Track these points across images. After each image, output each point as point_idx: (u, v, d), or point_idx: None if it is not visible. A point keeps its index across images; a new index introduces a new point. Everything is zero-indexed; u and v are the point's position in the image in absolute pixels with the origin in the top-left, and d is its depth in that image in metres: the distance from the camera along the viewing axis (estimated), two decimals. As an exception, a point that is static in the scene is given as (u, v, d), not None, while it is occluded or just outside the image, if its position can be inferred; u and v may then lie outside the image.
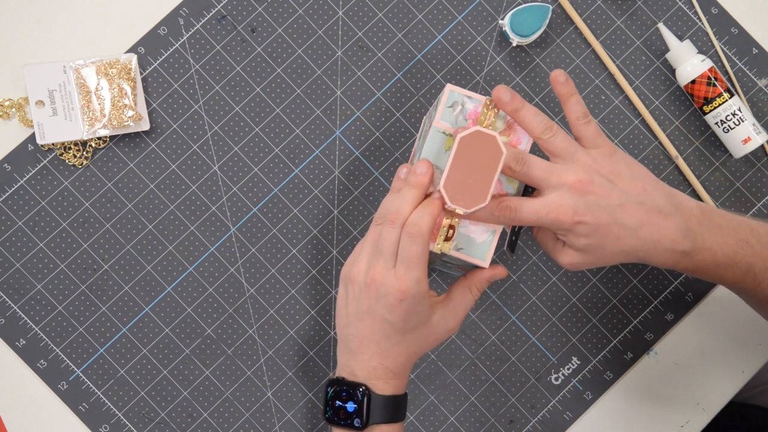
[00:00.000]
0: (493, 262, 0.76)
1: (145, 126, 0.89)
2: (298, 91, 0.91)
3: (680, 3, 0.93)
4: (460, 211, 0.71)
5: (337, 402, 0.75)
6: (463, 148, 0.72)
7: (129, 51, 0.90)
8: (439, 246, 0.73)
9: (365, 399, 0.74)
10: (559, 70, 0.74)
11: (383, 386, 0.74)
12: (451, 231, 0.73)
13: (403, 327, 0.73)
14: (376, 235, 0.73)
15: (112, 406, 0.88)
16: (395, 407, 0.75)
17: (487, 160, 0.71)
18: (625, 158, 0.74)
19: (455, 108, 0.75)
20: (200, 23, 0.91)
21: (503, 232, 0.75)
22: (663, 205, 0.72)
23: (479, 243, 0.73)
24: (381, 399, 0.74)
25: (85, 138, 0.88)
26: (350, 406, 0.74)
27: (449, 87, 0.75)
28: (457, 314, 0.76)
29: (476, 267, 0.76)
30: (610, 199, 0.71)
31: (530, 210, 0.72)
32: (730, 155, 0.92)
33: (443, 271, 0.90)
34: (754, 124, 0.89)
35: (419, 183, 0.73)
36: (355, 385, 0.74)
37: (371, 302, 0.73)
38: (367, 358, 0.75)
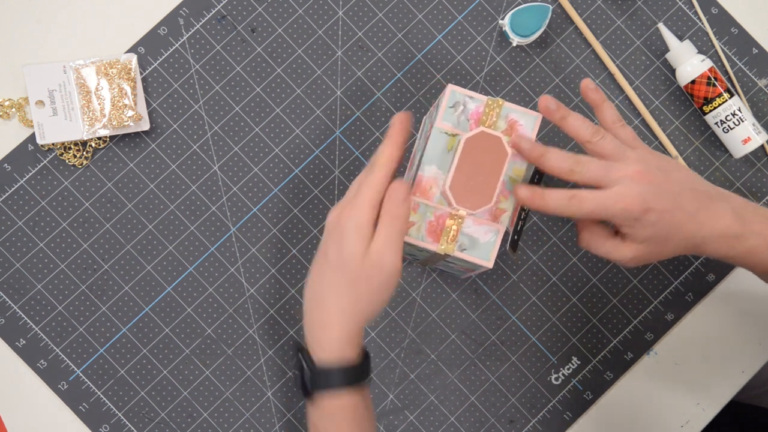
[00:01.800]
0: (495, 263, 0.76)
1: (145, 126, 0.89)
2: (298, 91, 0.91)
3: (680, 3, 0.93)
4: (464, 212, 0.72)
5: (295, 372, 0.72)
6: (468, 149, 0.72)
7: (129, 51, 0.90)
8: (443, 247, 0.73)
9: (304, 365, 0.71)
10: (589, 80, 0.75)
11: (319, 351, 0.70)
12: (454, 232, 0.73)
13: (336, 262, 0.69)
14: (361, 175, 0.73)
15: (112, 406, 0.88)
16: (331, 374, 0.69)
17: (491, 160, 0.72)
18: (665, 156, 0.75)
19: (457, 108, 0.75)
20: (200, 23, 0.91)
21: (506, 232, 0.75)
22: (710, 190, 0.74)
23: (483, 243, 0.73)
24: (315, 367, 0.70)
25: (85, 138, 0.88)
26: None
27: (451, 87, 0.74)
28: (385, 245, 0.68)
29: (479, 268, 0.75)
30: (669, 186, 0.72)
31: (597, 200, 0.71)
32: (730, 155, 0.92)
33: (446, 272, 0.90)
34: (754, 124, 0.89)
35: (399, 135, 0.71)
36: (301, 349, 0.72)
37: (342, 243, 0.70)
38: (315, 313, 0.71)
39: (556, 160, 0.72)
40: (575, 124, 0.74)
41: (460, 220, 0.73)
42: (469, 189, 0.72)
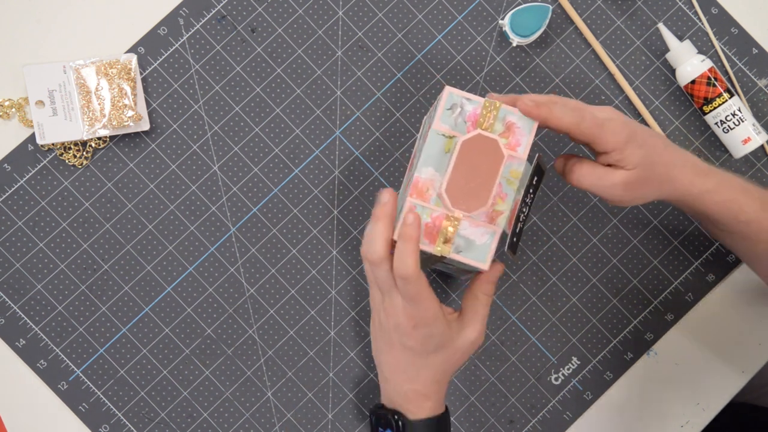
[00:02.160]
0: (493, 263, 0.76)
1: (145, 126, 0.89)
2: (298, 91, 0.91)
3: (680, 3, 0.93)
4: (460, 214, 0.71)
5: (379, 429, 0.80)
6: (464, 151, 0.72)
7: (129, 51, 0.90)
8: (438, 249, 0.72)
9: (400, 425, 0.78)
10: (523, 100, 0.75)
11: (416, 410, 0.77)
12: (450, 234, 0.73)
13: (424, 350, 0.76)
14: (369, 274, 0.76)
15: (112, 406, 0.88)
16: (433, 429, 0.78)
17: (488, 163, 0.71)
18: None
19: (454, 110, 0.74)
20: (200, 23, 0.91)
21: (503, 234, 0.74)
22: (683, 150, 0.80)
23: (479, 245, 0.73)
24: (416, 423, 0.77)
25: (85, 138, 0.88)
26: None
27: (448, 89, 0.74)
28: (474, 325, 0.77)
29: (476, 269, 0.75)
30: (647, 130, 0.77)
31: (594, 117, 0.75)
32: (730, 155, 0.92)
33: (444, 272, 0.90)
34: (754, 124, 0.89)
35: (384, 214, 0.72)
36: (391, 412, 0.78)
37: (391, 333, 0.76)
38: (399, 383, 0.78)
39: (561, 109, 0.75)
40: (557, 114, 0.75)
41: (456, 222, 0.72)
42: (465, 191, 0.72)
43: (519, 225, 0.74)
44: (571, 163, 0.78)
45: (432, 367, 0.77)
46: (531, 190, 0.75)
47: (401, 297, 0.73)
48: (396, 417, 0.78)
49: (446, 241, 0.73)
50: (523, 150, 0.73)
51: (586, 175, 0.77)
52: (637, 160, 0.76)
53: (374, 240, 0.73)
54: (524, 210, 0.74)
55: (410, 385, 0.78)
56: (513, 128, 0.74)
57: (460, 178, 0.72)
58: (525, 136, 0.74)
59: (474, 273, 0.79)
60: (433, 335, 0.75)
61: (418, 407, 0.78)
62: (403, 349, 0.76)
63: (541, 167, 0.76)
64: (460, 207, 0.72)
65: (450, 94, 0.74)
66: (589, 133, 0.75)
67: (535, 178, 0.75)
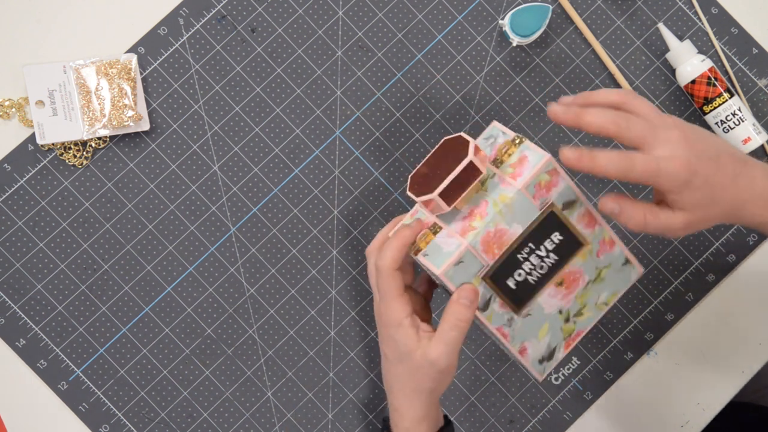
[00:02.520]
0: (465, 285, 0.75)
1: (145, 126, 0.89)
2: (298, 91, 0.91)
3: (680, 3, 0.93)
4: (411, 195, 0.73)
5: None
6: (442, 148, 0.74)
7: (129, 51, 0.90)
8: (412, 251, 0.75)
9: None
10: (566, 150, 0.72)
11: (395, 428, 0.77)
12: (425, 239, 0.74)
13: (392, 358, 0.75)
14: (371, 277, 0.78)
15: (112, 406, 0.88)
16: None
17: (456, 160, 0.72)
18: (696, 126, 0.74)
19: (489, 140, 0.77)
20: (200, 23, 0.91)
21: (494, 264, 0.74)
22: (743, 155, 0.73)
23: (444, 252, 0.73)
24: None
25: (85, 138, 0.88)
26: None
27: (494, 123, 0.77)
28: (437, 345, 0.72)
29: (437, 277, 0.75)
30: (708, 151, 0.71)
31: (649, 161, 0.69)
32: (730, 155, 0.92)
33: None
34: (754, 124, 0.89)
35: (410, 233, 0.75)
36: (383, 423, 0.80)
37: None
38: (387, 393, 0.78)
39: (598, 116, 0.70)
40: (595, 121, 0.71)
41: (437, 229, 0.74)
42: (424, 179, 0.73)
43: (518, 269, 0.74)
44: (623, 206, 0.73)
45: (400, 380, 0.75)
46: (543, 245, 0.74)
47: (379, 296, 0.74)
48: (381, 427, 0.79)
49: (419, 247, 0.74)
50: (522, 181, 0.73)
51: (654, 220, 0.73)
52: (696, 202, 0.71)
53: (379, 234, 0.76)
54: (526, 256, 0.74)
55: (390, 397, 0.77)
56: (524, 161, 0.74)
57: (428, 169, 0.74)
58: (529, 169, 0.73)
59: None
60: (396, 341, 0.73)
61: (395, 425, 0.77)
62: (383, 354, 0.76)
63: (561, 222, 0.75)
64: (413, 191, 0.74)
65: (493, 127, 0.77)
66: (642, 180, 0.70)
67: (556, 235, 0.75)
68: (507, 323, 0.76)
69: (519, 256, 0.74)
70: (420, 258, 0.74)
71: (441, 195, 0.72)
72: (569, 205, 0.76)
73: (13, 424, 0.88)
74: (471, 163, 0.72)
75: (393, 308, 0.73)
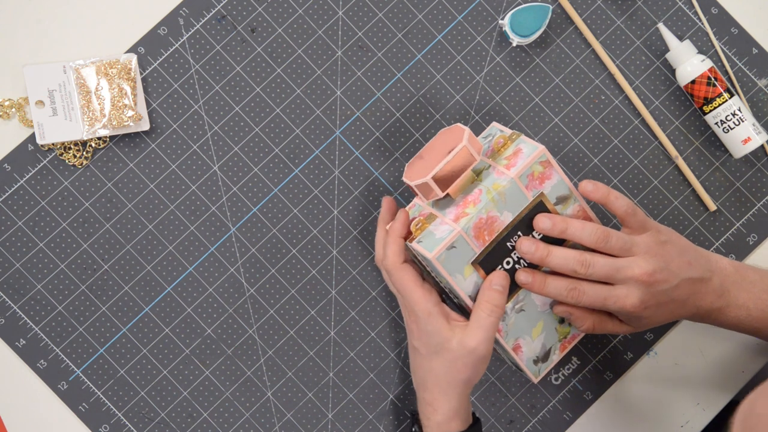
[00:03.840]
0: (497, 271, 0.76)
1: (145, 126, 0.89)
2: (298, 91, 0.91)
3: (680, 3, 0.93)
4: (406, 181, 0.76)
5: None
6: (439, 138, 0.76)
7: (129, 51, 0.90)
8: (408, 240, 0.77)
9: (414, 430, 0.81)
10: (585, 181, 0.77)
11: (426, 422, 0.77)
12: (419, 226, 0.76)
13: (427, 352, 0.76)
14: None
15: (112, 406, 0.88)
16: None
17: (450, 146, 0.75)
18: (669, 235, 0.78)
19: (487, 138, 0.79)
20: (200, 23, 0.91)
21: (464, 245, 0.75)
22: (703, 273, 0.78)
23: (436, 238, 0.74)
24: None
25: (85, 138, 0.88)
26: None
27: (494, 123, 0.80)
28: (474, 332, 0.74)
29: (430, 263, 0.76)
30: (668, 283, 0.76)
31: (598, 296, 0.76)
32: (730, 155, 0.92)
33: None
34: (754, 124, 0.89)
35: (380, 219, 0.81)
36: (412, 419, 0.82)
37: (408, 335, 0.79)
38: (417, 388, 0.79)
39: (560, 260, 0.75)
40: (576, 234, 0.76)
41: (431, 219, 0.76)
42: (420, 167, 0.76)
43: (507, 257, 0.76)
44: (573, 313, 0.79)
45: (435, 373, 0.76)
46: (532, 233, 0.76)
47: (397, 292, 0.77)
48: (414, 427, 0.81)
49: (414, 236, 0.76)
50: (515, 170, 0.74)
51: (601, 330, 0.80)
52: (641, 324, 0.79)
53: (376, 244, 0.80)
54: (514, 243, 0.76)
55: (421, 392, 0.78)
56: (519, 153, 0.76)
57: (424, 159, 0.76)
58: (523, 159, 0.75)
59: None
60: (429, 333, 0.75)
61: (427, 419, 0.77)
62: (413, 350, 0.78)
63: (549, 212, 0.77)
64: (407, 176, 0.76)
65: (493, 126, 0.80)
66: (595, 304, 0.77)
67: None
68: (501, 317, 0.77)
69: (508, 244, 0.75)
70: (414, 245, 0.75)
71: (435, 179, 0.73)
72: (563, 199, 0.77)
73: (13, 424, 0.88)
74: (465, 149, 0.73)
75: (416, 299, 0.75)
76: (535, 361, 0.79)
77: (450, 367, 0.75)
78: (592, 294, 0.75)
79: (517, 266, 0.76)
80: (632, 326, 0.80)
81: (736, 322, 0.80)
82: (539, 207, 0.76)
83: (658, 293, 0.76)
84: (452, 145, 0.75)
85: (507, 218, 0.75)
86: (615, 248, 0.76)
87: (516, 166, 0.75)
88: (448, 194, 0.77)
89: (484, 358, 0.75)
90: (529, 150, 0.75)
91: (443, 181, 0.74)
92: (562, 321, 0.80)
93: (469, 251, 0.74)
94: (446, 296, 0.81)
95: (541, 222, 0.75)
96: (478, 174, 0.77)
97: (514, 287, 0.77)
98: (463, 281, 0.75)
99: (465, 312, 0.79)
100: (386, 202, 0.82)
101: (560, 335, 0.80)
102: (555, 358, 0.80)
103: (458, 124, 0.75)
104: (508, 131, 0.78)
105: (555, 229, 0.75)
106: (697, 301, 0.78)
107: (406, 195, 0.90)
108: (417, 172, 0.76)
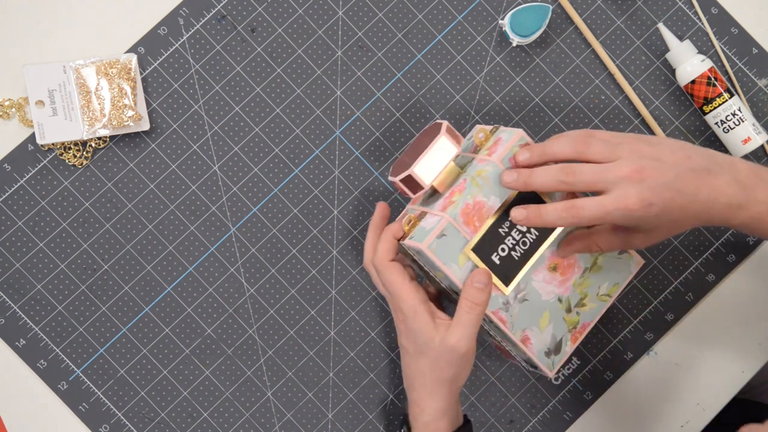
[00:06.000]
0: (477, 269, 0.76)
1: (145, 126, 0.89)
2: (298, 91, 0.91)
3: (680, 3, 0.93)
4: (391, 178, 0.78)
5: None
6: (421, 136, 0.78)
7: (129, 51, 0.90)
8: (401, 239, 0.78)
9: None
10: (517, 152, 0.75)
11: (414, 422, 0.77)
12: (410, 224, 0.78)
13: (413, 350, 0.76)
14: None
15: (112, 406, 0.88)
16: None
17: (430, 141, 0.77)
18: (656, 138, 0.75)
19: (471, 140, 0.81)
20: (200, 23, 0.91)
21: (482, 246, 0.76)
22: (708, 164, 0.73)
23: (426, 230, 0.75)
24: None
25: (85, 138, 0.88)
26: None
27: (477, 126, 0.81)
28: (455, 330, 0.73)
29: (421, 254, 0.77)
30: (665, 176, 0.71)
31: (597, 206, 0.71)
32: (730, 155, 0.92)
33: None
34: (754, 124, 0.89)
35: (371, 224, 0.82)
36: (401, 421, 0.81)
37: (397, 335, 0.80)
38: (406, 389, 0.79)
39: (544, 176, 0.73)
40: (554, 150, 0.73)
41: (422, 216, 0.77)
42: (404, 165, 0.78)
43: (501, 244, 0.76)
44: (587, 238, 0.76)
45: (421, 373, 0.76)
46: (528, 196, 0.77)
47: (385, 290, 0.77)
48: (402, 428, 0.80)
49: (406, 234, 0.77)
50: (496, 155, 0.76)
51: (608, 248, 0.77)
52: (654, 226, 0.75)
53: (365, 247, 0.81)
54: (508, 230, 0.76)
55: (410, 392, 0.78)
56: (499, 141, 0.78)
57: (407, 157, 0.78)
58: (503, 144, 0.75)
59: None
60: (416, 331, 0.74)
61: (415, 419, 0.77)
62: (403, 349, 0.78)
63: (537, 195, 0.77)
64: (392, 174, 0.78)
65: (476, 128, 0.81)
66: (594, 223, 0.73)
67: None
68: (503, 307, 0.76)
69: (500, 230, 0.76)
70: (407, 242, 0.76)
71: (418, 171, 0.75)
72: None
73: (13, 424, 0.88)
74: (444, 140, 0.75)
75: (403, 296, 0.75)
76: (547, 354, 0.79)
77: (434, 366, 0.75)
78: (591, 206, 0.71)
79: (512, 253, 0.76)
80: (651, 235, 0.75)
81: (758, 218, 0.74)
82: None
83: (658, 187, 0.71)
84: (432, 139, 0.77)
85: (495, 203, 0.75)
86: (598, 153, 0.72)
87: (497, 152, 0.76)
88: (436, 191, 0.78)
89: (466, 356, 0.74)
90: (508, 136, 0.77)
91: (427, 173, 0.76)
92: (569, 310, 0.79)
93: (461, 239, 0.75)
94: (449, 298, 0.81)
95: (521, 155, 0.74)
96: (462, 167, 0.78)
97: (511, 275, 0.76)
98: (458, 270, 0.74)
99: None
100: (380, 207, 0.82)
101: (569, 325, 0.79)
102: (568, 349, 0.79)
103: (441, 120, 0.76)
104: (489, 127, 0.80)
105: (533, 154, 0.73)
106: (714, 194, 0.72)
107: (405, 196, 0.90)
108: (401, 169, 0.78)
